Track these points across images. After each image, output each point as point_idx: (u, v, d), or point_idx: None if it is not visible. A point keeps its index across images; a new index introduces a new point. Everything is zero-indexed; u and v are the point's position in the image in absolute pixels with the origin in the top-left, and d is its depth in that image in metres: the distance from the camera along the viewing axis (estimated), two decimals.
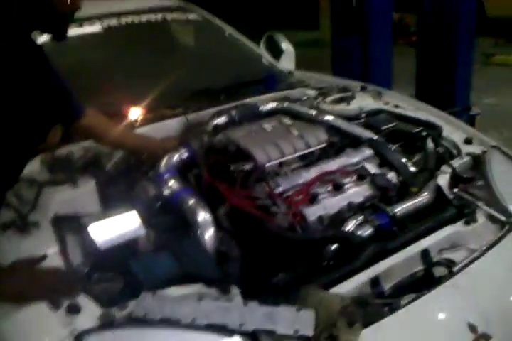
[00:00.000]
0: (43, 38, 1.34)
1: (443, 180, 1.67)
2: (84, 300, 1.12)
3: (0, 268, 1.13)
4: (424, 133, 1.94)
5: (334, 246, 1.44)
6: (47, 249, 1.25)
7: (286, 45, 2.75)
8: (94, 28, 2.35)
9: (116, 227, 1.31)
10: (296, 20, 8.77)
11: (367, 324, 1.15)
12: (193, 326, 1.08)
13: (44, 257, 1.20)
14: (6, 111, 1.10)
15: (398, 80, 4.61)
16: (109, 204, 1.56)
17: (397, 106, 2.15)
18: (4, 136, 1.13)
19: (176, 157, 1.70)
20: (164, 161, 1.68)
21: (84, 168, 1.65)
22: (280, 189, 1.56)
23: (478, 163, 1.78)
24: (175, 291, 1.16)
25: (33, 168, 1.54)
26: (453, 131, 1.99)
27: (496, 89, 5.38)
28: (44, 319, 1.09)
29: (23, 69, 1.17)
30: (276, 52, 2.77)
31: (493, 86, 5.44)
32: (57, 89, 1.37)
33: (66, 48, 1.92)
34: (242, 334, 1.08)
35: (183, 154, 1.71)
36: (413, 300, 1.25)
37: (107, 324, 1.07)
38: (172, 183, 1.57)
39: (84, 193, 1.44)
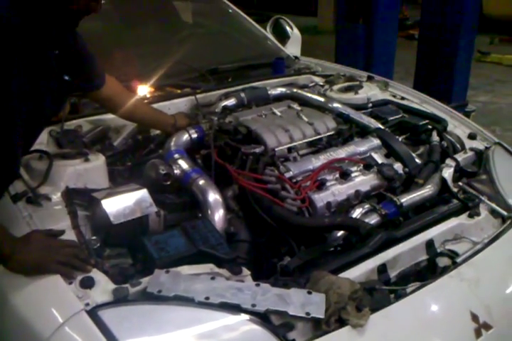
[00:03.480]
0: None
1: (447, 173, 1.70)
2: (97, 275, 1.12)
3: (13, 239, 1.12)
4: (429, 126, 1.96)
5: (341, 233, 1.46)
6: (59, 222, 1.24)
7: (293, 30, 2.73)
8: None
9: (128, 204, 1.30)
10: (293, 7, 8.76)
11: (374, 309, 1.18)
12: (206, 304, 1.09)
13: (62, 232, 1.19)
14: (28, 76, 1.07)
15: (394, 72, 4.63)
16: (117, 180, 1.56)
17: (403, 98, 2.17)
18: (25, 102, 1.11)
19: (185, 136, 1.69)
20: (174, 140, 1.67)
21: (92, 143, 1.63)
22: (290, 174, 1.56)
23: (481, 158, 1.82)
24: (187, 270, 1.17)
25: (41, 140, 1.52)
26: (457, 125, 2.02)
27: (489, 87, 5.45)
28: (58, 292, 1.08)
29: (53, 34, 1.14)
30: (282, 37, 2.76)
31: (487, 84, 5.50)
32: (84, 54, 1.34)
33: None
34: (255, 314, 1.09)
35: (193, 134, 1.70)
36: (418, 288, 1.28)
37: (121, 299, 1.07)
38: (181, 163, 1.57)
39: (94, 168, 1.42)
